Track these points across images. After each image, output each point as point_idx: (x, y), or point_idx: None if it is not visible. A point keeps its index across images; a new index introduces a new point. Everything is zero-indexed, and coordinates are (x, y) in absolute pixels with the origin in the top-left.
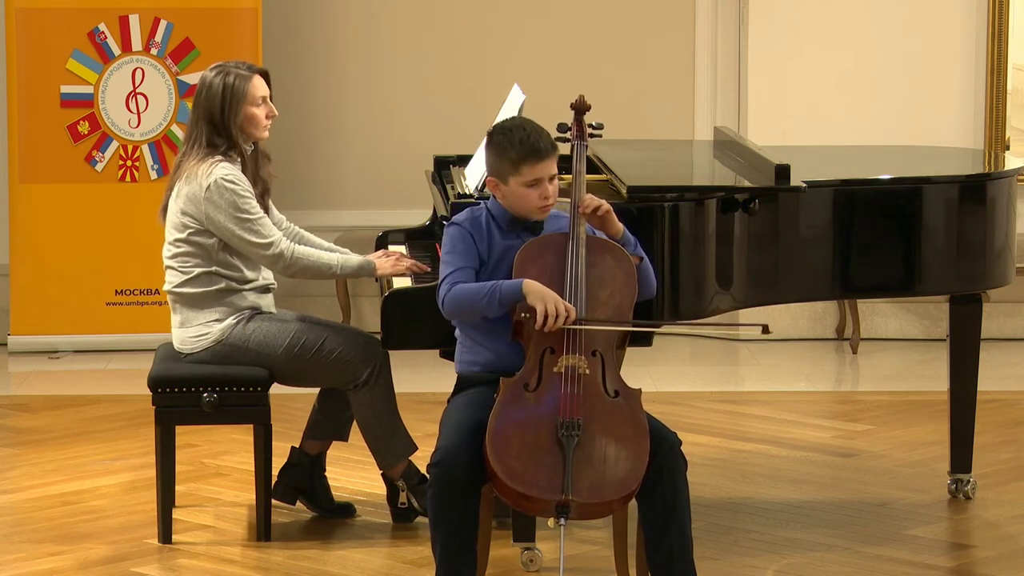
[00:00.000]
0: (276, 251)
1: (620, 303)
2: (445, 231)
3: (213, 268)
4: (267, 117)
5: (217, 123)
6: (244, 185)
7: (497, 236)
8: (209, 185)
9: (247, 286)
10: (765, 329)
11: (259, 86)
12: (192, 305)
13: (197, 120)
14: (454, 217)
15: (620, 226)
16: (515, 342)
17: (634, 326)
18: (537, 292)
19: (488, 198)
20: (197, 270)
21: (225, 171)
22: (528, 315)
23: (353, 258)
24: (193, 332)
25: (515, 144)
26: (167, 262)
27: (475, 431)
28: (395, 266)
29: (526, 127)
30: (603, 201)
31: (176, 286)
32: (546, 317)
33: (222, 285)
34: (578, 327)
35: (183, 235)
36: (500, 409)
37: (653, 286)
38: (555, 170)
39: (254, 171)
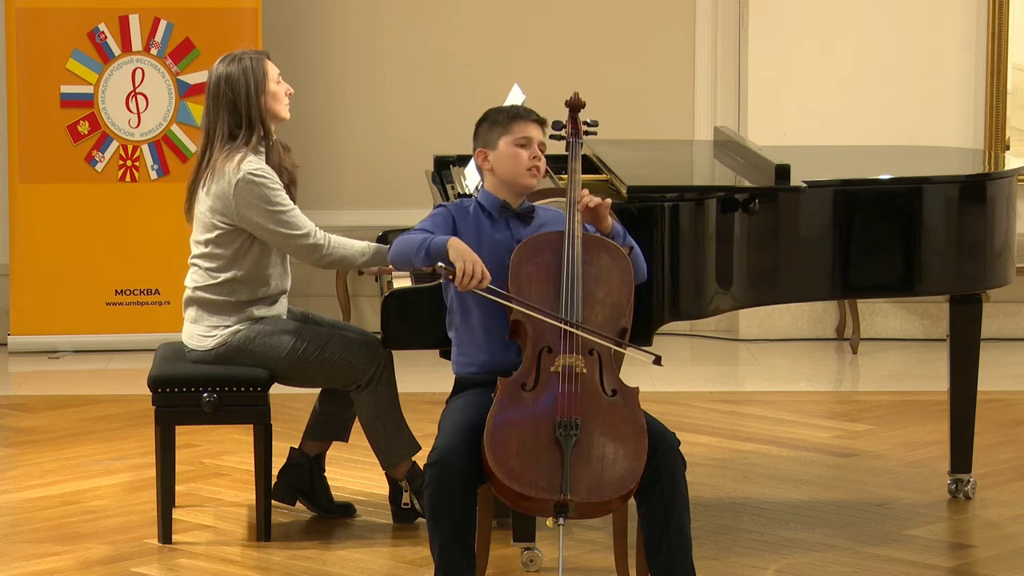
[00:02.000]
0: (312, 241)
1: (617, 301)
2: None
3: (237, 274)
4: (286, 94)
5: (241, 110)
6: (272, 178)
7: (487, 226)
8: (237, 181)
9: (266, 297)
10: (658, 361)
11: (273, 66)
12: (207, 308)
13: (217, 113)
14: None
15: (611, 221)
16: (511, 342)
17: (534, 310)
18: (459, 249)
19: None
20: (222, 276)
21: (252, 165)
22: (444, 267)
23: (380, 247)
24: (201, 331)
25: (505, 110)
26: (192, 260)
27: (472, 431)
28: None
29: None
30: (599, 199)
31: (198, 287)
32: (463, 275)
33: (242, 297)
34: (489, 296)
35: (212, 235)
36: (498, 409)
37: (644, 272)
38: (543, 138)
39: (277, 162)
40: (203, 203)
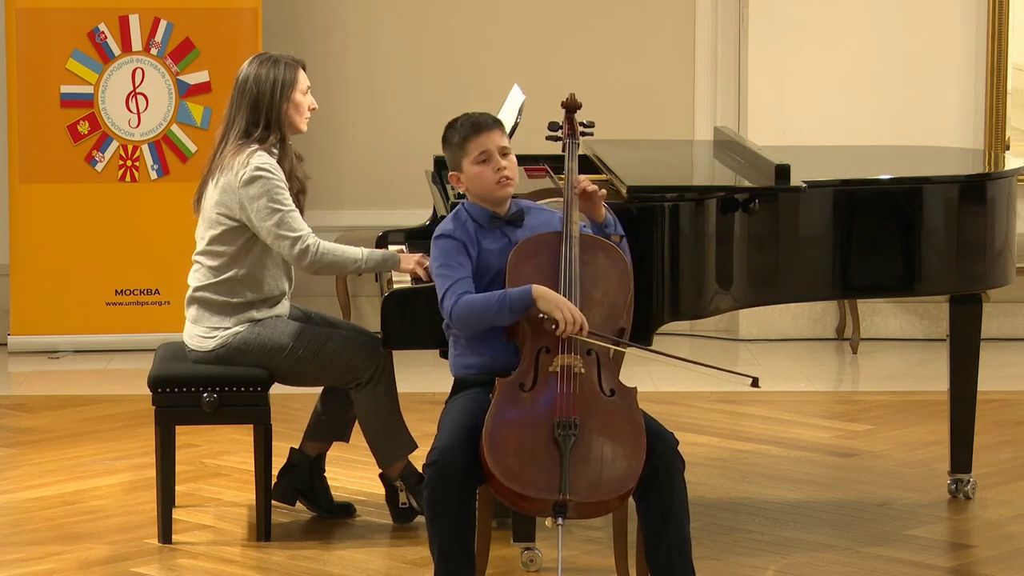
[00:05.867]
0: (304, 245)
1: (614, 301)
2: (433, 243)
3: (238, 272)
4: (309, 109)
5: (262, 109)
6: (280, 176)
7: (481, 236)
8: (245, 174)
9: (267, 299)
10: (755, 382)
11: (305, 77)
12: (208, 308)
13: (239, 109)
14: (439, 228)
15: (604, 211)
16: (509, 343)
17: (637, 347)
18: (550, 299)
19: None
20: (224, 274)
21: (261, 159)
22: (545, 316)
23: (376, 252)
24: (201, 331)
25: (457, 128)
26: (196, 256)
27: (471, 431)
28: (419, 263)
29: (467, 113)
30: (596, 187)
31: (200, 286)
32: (566, 324)
33: (243, 299)
34: (588, 340)
35: (216, 232)
36: (496, 409)
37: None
38: (504, 142)
39: (289, 170)
40: (210, 198)
